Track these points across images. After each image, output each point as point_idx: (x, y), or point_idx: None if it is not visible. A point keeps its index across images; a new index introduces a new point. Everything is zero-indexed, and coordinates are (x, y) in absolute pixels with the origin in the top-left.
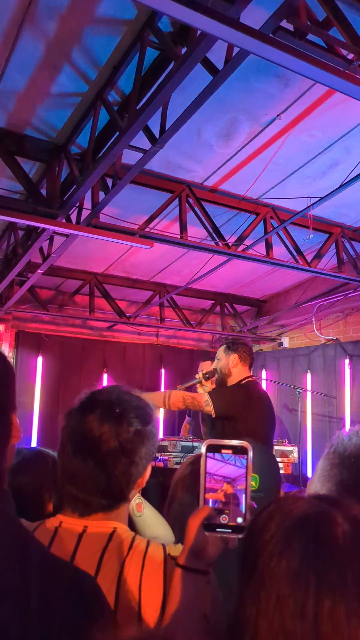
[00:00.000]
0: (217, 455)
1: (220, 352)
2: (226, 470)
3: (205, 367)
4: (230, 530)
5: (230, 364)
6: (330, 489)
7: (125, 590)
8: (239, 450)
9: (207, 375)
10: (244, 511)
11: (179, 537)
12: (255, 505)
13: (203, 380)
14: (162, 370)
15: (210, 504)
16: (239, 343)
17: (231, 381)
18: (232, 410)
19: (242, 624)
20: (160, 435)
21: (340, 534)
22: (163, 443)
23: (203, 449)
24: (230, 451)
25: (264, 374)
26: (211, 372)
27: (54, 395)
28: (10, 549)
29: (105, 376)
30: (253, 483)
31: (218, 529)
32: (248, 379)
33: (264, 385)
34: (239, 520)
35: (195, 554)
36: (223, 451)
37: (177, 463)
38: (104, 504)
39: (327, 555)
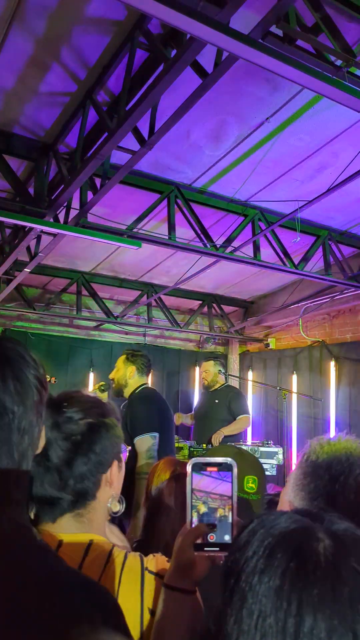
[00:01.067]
0: (202, 473)
1: (120, 362)
2: (212, 488)
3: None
4: (218, 549)
5: (127, 375)
6: (304, 498)
7: None
8: (224, 467)
9: (102, 388)
10: (231, 528)
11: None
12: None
13: (98, 393)
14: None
15: (196, 523)
16: (137, 355)
17: (127, 391)
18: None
19: None
20: None
21: (321, 550)
22: None
23: (189, 468)
24: (215, 468)
25: (250, 374)
26: (106, 384)
27: None
28: (29, 563)
29: (91, 375)
30: (253, 485)
31: (206, 548)
32: (142, 387)
33: (249, 386)
34: (227, 537)
35: (183, 573)
36: (209, 469)
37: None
38: (69, 500)
39: (308, 572)
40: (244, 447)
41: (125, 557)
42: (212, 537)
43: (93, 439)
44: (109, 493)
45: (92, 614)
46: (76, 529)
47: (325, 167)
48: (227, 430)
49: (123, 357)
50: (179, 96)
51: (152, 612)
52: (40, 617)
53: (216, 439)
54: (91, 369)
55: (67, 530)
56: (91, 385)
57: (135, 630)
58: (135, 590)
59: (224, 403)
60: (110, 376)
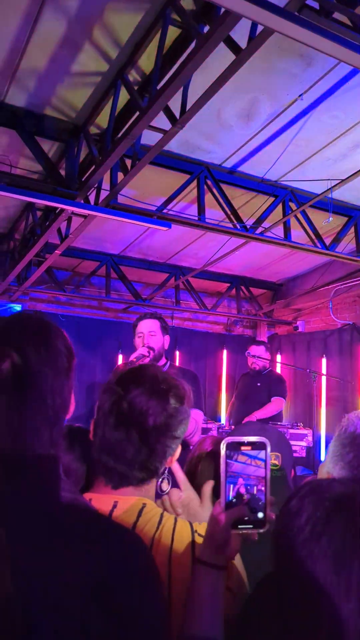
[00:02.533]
0: (236, 452)
1: (157, 329)
2: (246, 466)
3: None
4: (252, 526)
5: (164, 345)
6: (343, 467)
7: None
8: (258, 446)
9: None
10: (264, 506)
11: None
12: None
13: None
14: (177, 352)
15: (232, 501)
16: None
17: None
18: None
19: (285, 605)
20: None
21: None
22: None
23: (222, 447)
24: (249, 447)
25: (279, 357)
26: (141, 355)
27: None
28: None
29: (120, 357)
30: (276, 462)
31: (240, 526)
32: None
33: (278, 369)
34: (260, 515)
35: (217, 550)
36: (242, 448)
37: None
38: (139, 477)
39: None
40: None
41: (176, 520)
42: (246, 516)
43: (177, 423)
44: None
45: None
46: (131, 494)
47: (359, 145)
48: (260, 414)
49: (158, 323)
50: (211, 74)
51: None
52: (75, 560)
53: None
54: (120, 351)
55: (123, 494)
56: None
57: (182, 589)
58: (187, 551)
59: (266, 386)
60: (152, 345)
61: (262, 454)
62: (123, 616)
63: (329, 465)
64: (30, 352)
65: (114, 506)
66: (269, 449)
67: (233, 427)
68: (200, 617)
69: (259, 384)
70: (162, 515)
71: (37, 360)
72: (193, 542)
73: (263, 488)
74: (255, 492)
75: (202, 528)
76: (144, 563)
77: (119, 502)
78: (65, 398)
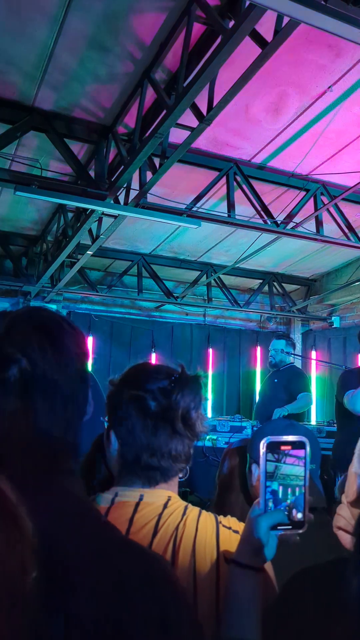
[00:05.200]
0: (276, 452)
1: None
2: (285, 467)
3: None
4: (291, 527)
5: None
6: None
7: (180, 552)
8: (297, 445)
9: None
10: (303, 506)
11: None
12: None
13: None
14: (210, 350)
15: (272, 503)
16: None
17: None
18: None
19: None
20: (210, 415)
21: None
22: (212, 423)
23: (262, 447)
24: (289, 447)
25: (314, 354)
26: None
27: (104, 374)
28: (84, 533)
29: (153, 355)
30: (313, 466)
31: (279, 527)
32: None
33: (313, 365)
34: (299, 516)
35: (255, 552)
36: (282, 448)
37: (225, 443)
38: (181, 467)
39: None
40: (308, 426)
41: (200, 512)
42: (285, 517)
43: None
44: None
45: (141, 581)
46: (160, 487)
47: None
48: (291, 408)
49: None
50: (237, 69)
51: (227, 561)
52: (91, 583)
53: (277, 414)
54: (153, 349)
55: (151, 488)
56: None
57: (211, 576)
58: (211, 541)
59: (282, 383)
60: None
61: (301, 453)
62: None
63: (357, 466)
64: (39, 355)
65: (140, 499)
66: (308, 448)
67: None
68: (238, 620)
69: (276, 380)
70: (186, 507)
71: (44, 365)
72: (217, 532)
73: (303, 488)
74: (294, 492)
75: (226, 520)
76: (165, 593)
77: (145, 495)
78: (78, 403)
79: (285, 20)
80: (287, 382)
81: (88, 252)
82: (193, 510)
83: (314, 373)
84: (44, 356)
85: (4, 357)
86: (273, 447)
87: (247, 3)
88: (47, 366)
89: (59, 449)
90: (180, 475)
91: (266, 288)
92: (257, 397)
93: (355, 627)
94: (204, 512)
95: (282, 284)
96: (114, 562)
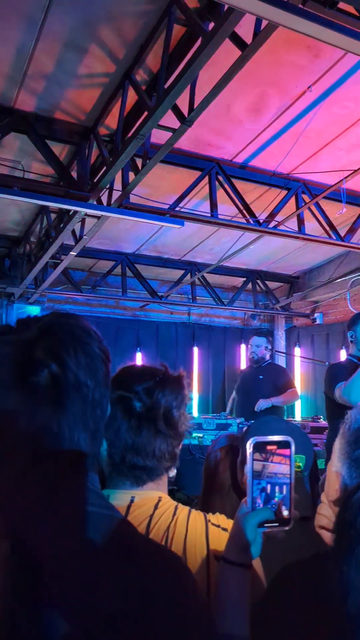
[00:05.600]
0: (262, 452)
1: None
2: (271, 466)
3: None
4: (277, 524)
5: None
6: (351, 466)
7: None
8: (283, 445)
9: None
10: (289, 504)
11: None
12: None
13: None
14: (195, 348)
15: (259, 501)
16: None
17: None
18: None
19: (349, 589)
20: (196, 413)
21: None
22: (198, 421)
23: (249, 447)
24: (275, 447)
25: (297, 350)
26: None
27: None
28: (111, 531)
29: (139, 355)
30: (299, 464)
31: (266, 524)
32: None
33: (297, 362)
34: (285, 513)
35: (243, 549)
36: (268, 447)
37: (211, 440)
38: (167, 467)
39: None
40: (293, 423)
41: (190, 511)
42: (272, 514)
43: (188, 405)
44: None
45: (162, 576)
46: (150, 488)
47: None
48: (275, 400)
49: None
50: (218, 70)
51: (217, 558)
52: (110, 584)
53: (261, 404)
54: (138, 349)
55: (141, 489)
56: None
57: (201, 575)
58: (201, 540)
59: (269, 379)
60: None
61: (287, 453)
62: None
63: (337, 465)
64: (70, 361)
65: (131, 501)
66: (293, 447)
67: (250, 422)
68: (228, 616)
69: (261, 377)
70: (176, 507)
71: (77, 370)
72: (207, 531)
73: (289, 486)
74: (281, 490)
75: (215, 518)
76: (184, 583)
77: (136, 497)
78: (104, 408)
79: (265, 22)
80: (275, 378)
81: (72, 252)
82: (183, 510)
83: (298, 370)
84: (74, 361)
85: (35, 361)
86: (259, 447)
87: (226, 6)
88: (78, 371)
89: (87, 451)
90: (170, 474)
91: (250, 286)
92: (236, 394)
93: (337, 619)
94: (193, 511)
95: (266, 282)
96: (138, 559)
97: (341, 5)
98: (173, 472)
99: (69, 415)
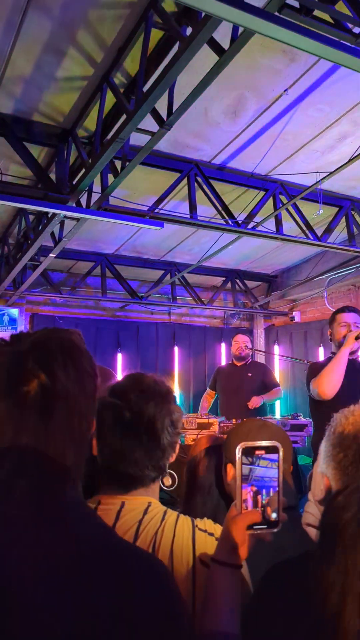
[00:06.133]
0: (250, 456)
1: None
2: (260, 470)
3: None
4: (266, 526)
5: None
6: (335, 468)
7: (158, 556)
8: (271, 450)
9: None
10: (277, 507)
11: (207, 512)
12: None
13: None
14: (175, 348)
15: (248, 504)
16: None
17: None
18: None
19: (327, 589)
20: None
21: None
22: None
23: (238, 452)
24: (263, 451)
25: (276, 348)
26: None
27: None
28: (87, 538)
29: (119, 355)
30: (286, 467)
31: (255, 527)
32: None
33: (276, 360)
34: (273, 515)
35: (233, 550)
36: (257, 452)
37: (193, 440)
38: (152, 477)
39: None
40: (271, 420)
41: (178, 516)
42: (261, 517)
43: (178, 419)
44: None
45: (145, 581)
46: (140, 494)
47: (346, 137)
48: (267, 398)
49: None
50: (196, 73)
51: (203, 563)
52: (97, 587)
53: (256, 401)
54: (119, 349)
55: (132, 495)
56: (120, 364)
57: (187, 579)
58: (187, 544)
59: (257, 377)
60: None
61: (275, 457)
62: None
63: (322, 466)
64: (60, 373)
65: (122, 506)
66: (281, 452)
67: (234, 421)
68: (218, 615)
69: (250, 375)
70: (165, 512)
71: (66, 382)
72: (194, 536)
73: (276, 490)
74: (269, 493)
75: (202, 524)
76: (170, 591)
77: (126, 503)
78: (90, 420)
79: (241, 28)
80: (262, 375)
81: (51, 254)
82: (172, 515)
83: (277, 368)
84: (63, 373)
85: (25, 371)
86: (248, 452)
87: (203, 13)
88: (67, 382)
89: (73, 460)
90: (166, 484)
91: (229, 285)
92: (221, 393)
93: (320, 617)
94: (181, 516)
95: (245, 281)
96: (124, 563)
97: (316, 13)
98: (169, 482)
99: (55, 425)
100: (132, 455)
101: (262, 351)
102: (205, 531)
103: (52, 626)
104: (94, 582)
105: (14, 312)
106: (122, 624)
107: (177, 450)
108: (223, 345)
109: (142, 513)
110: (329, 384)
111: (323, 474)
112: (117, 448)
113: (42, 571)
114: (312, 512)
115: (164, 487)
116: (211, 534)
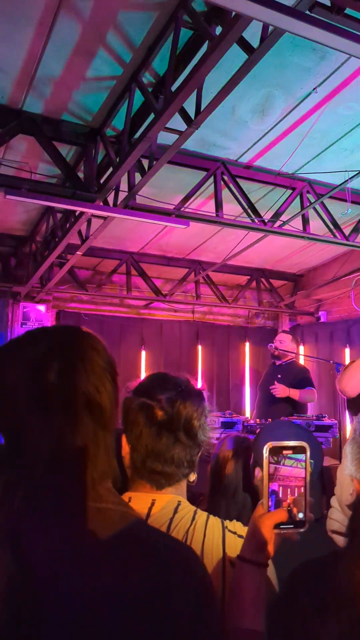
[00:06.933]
0: (278, 456)
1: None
2: (287, 470)
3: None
4: (293, 526)
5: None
6: None
7: None
8: (299, 450)
9: None
10: (304, 507)
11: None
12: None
13: None
14: (199, 347)
15: (275, 504)
16: None
17: None
18: None
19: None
20: None
21: None
22: None
23: (265, 452)
24: (290, 451)
25: (302, 349)
26: None
27: None
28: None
29: (143, 353)
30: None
31: (282, 526)
32: None
33: (301, 360)
34: (300, 515)
35: (260, 548)
36: (284, 452)
37: (217, 439)
38: (185, 474)
39: None
40: (297, 422)
41: (208, 517)
42: (288, 517)
43: (209, 415)
44: None
45: (181, 569)
46: (169, 492)
47: None
48: (293, 393)
49: None
50: (225, 72)
51: (233, 565)
52: (133, 576)
53: (280, 389)
54: (142, 347)
55: (161, 493)
56: (144, 362)
57: (217, 580)
58: (218, 545)
59: (288, 378)
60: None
61: (302, 457)
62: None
63: (351, 468)
64: (80, 381)
65: (152, 504)
66: (309, 452)
67: (257, 420)
68: (244, 612)
69: (279, 376)
70: (195, 512)
71: (87, 389)
72: (224, 538)
73: (303, 490)
74: (296, 493)
75: (232, 525)
76: (202, 579)
77: (157, 501)
78: (114, 421)
79: (272, 27)
80: (292, 376)
81: (78, 252)
82: (202, 516)
83: None
84: (85, 381)
85: (47, 383)
86: (276, 451)
87: (234, 12)
88: (87, 390)
89: (101, 459)
90: (191, 479)
91: (254, 284)
92: (258, 392)
93: (351, 618)
94: (211, 517)
95: (270, 280)
96: (160, 552)
97: (347, 11)
98: (193, 477)
99: (80, 427)
100: (169, 454)
101: (287, 351)
102: (234, 533)
103: (88, 614)
104: (130, 571)
105: (41, 308)
106: (159, 611)
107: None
108: (247, 345)
109: (172, 512)
110: (350, 380)
111: (352, 476)
112: (154, 447)
113: (76, 562)
114: (336, 519)
115: (189, 483)
116: (240, 536)
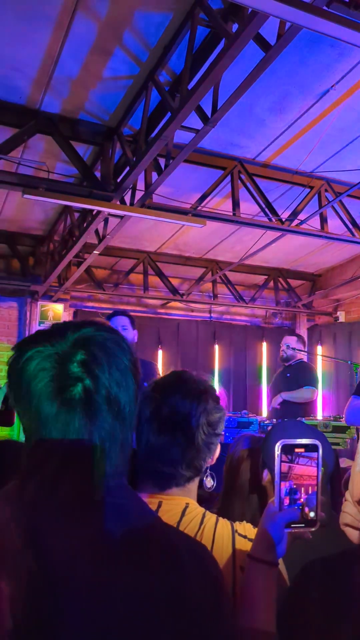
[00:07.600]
0: (290, 454)
1: (127, 323)
2: (299, 468)
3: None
4: (304, 525)
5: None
6: None
7: None
8: (311, 448)
9: None
10: (315, 505)
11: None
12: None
13: None
14: (216, 346)
15: (286, 502)
16: None
17: None
18: None
19: None
20: None
21: None
22: None
23: (277, 450)
24: (302, 449)
25: (319, 349)
26: None
27: None
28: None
29: (160, 352)
30: (322, 469)
31: (293, 525)
32: None
33: (319, 360)
34: (312, 514)
35: (270, 548)
36: (296, 450)
37: (233, 438)
38: (187, 476)
39: None
40: (314, 422)
41: (217, 520)
42: (299, 515)
43: (217, 420)
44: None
45: (193, 563)
46: (176, 494)
47: None
48: (286, 395)
49: (128, 320)
50: (241, 70)
51: (243, 570)
52: (146, 568)
53: (275, 401)
54: (159, 346)
55: (168, 494)
56: (160, 361)
57: (227, 583)
58: (227, 550)
59: (295, 378)
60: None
61: (314, 455)
62: (195, 633)
63: None
64: (104, 376)
65: (159, 506)
66: (321, 451)
67: (274, 420)
68: (255, 612)
69: (288, 375)
70: (204, 515)
71: (109, 385)
72: (233, 541)
73: (315, 489)
74: (307, 492)
75: (242, 528)
76: (215, 576)
77: (164, 502)
78: (132, 420)
79: (289, 23)
80: (299, 376)
81: (95, 252)
82: (211, 519)
83: (319, 368)
84: (107, 376)
85: (70, 377)
86: (287, 449)
87: (250, 9)
88: (110, 386)
89: (119, 462)
90: (208, 485)
91: (271, 284)
92: (270, 393)
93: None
94: (220, 519)
95: (287, 280)
96: (176, 550)
97: None
98: (211, 483)
99: (100, 428)
100: (167, 452)
101: (304, 351)
102: (245, 537)
103: (105, 610)
104: (146, 567)
105: (59, 307)
106: (171, 605)
107: (216, 452)
108: (264, 345)
109: (180, 514)
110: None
111: None
112: (152, 443)
113: (92, 557)
114: (350, 512)
115: (206, 489)
116: (251, 540)
